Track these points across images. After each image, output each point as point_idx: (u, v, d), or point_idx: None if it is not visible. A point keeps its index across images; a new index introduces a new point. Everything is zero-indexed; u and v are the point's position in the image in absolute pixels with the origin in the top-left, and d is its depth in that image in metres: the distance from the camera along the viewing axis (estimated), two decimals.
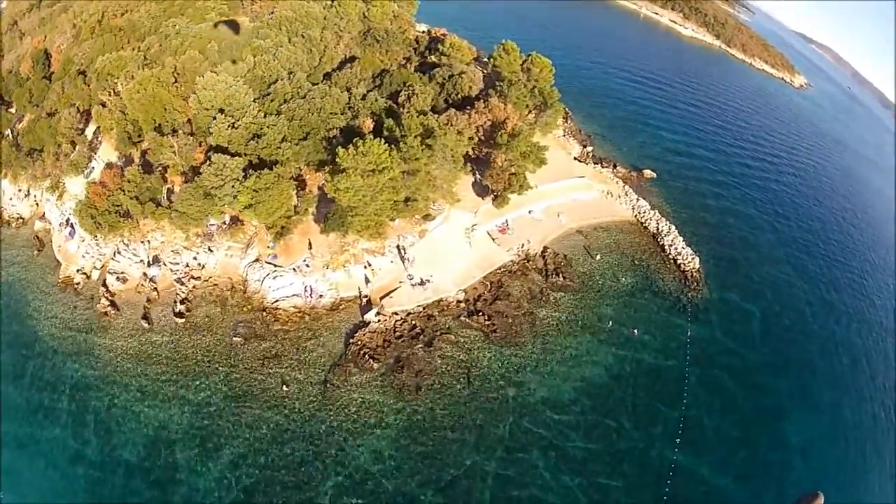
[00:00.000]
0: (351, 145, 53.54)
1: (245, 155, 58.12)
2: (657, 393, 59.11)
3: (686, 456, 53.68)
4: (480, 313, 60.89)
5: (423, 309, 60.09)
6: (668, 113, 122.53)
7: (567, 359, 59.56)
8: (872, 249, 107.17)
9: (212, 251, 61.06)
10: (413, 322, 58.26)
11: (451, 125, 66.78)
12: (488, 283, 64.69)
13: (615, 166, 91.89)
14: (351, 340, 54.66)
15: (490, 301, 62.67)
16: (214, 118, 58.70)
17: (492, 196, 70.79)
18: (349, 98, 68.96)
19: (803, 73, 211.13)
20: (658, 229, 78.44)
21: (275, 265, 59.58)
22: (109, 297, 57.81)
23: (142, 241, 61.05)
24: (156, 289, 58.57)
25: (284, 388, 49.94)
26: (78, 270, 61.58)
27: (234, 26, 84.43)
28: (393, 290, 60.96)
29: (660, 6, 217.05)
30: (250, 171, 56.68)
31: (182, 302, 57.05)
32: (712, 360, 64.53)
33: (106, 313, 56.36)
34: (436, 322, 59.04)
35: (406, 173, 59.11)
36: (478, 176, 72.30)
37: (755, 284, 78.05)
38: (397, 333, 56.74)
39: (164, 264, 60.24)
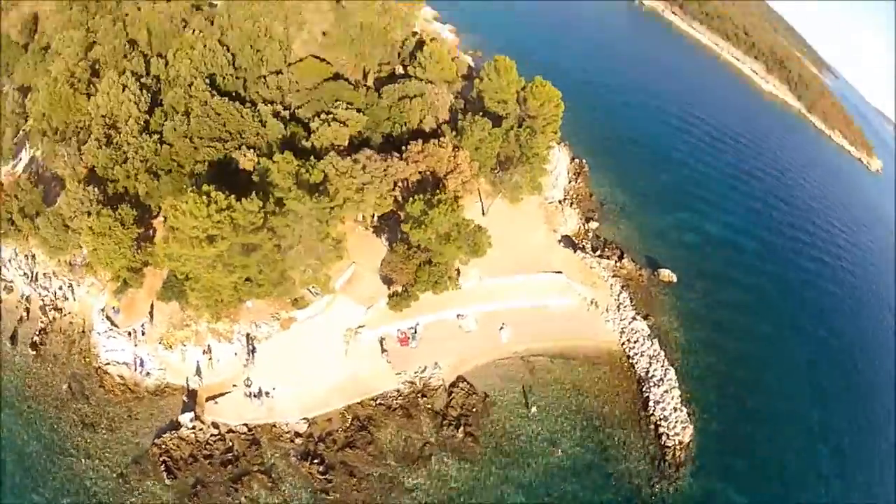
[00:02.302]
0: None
1: (111, 182, 48.09)
2: None
3: None
4: (319, 459, 42.16)
5: (249, 430, 43.42)
6: (724, 183, 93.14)
7: None
8: None
9: (73, 285, 51.86)
10: (231, 443, 42.69)
11: (352, 177, 46.02)
12: (350, 416, 44.70)
13: (621, 257, 63.71)
14: (157, 440, 41.94)
15: (341, 445, 43.12)
16: None
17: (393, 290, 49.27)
18: (250, 117, 51.78)
19: (878, 156, 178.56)
20: (649, 372, 52.32)
21: (112, 322, 47.86)
22: None
23: (25, 255, 53.76)
24: (28, 308, 51.42)
25: (85, 461, 41.42)
26: None
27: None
28: (222, 394, 44.91)
29: (743, 52, 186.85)
30: (105, 207, 44.88)
31: (40, 332, 49.67)
32: None
33: None
34: (258, 452, 42.28)
35: (244, 247, 40.84)
36: None
37: (776, 476, 50.82)
38: (207, 451, 42.06)
39: (38, 287, 52.73)
